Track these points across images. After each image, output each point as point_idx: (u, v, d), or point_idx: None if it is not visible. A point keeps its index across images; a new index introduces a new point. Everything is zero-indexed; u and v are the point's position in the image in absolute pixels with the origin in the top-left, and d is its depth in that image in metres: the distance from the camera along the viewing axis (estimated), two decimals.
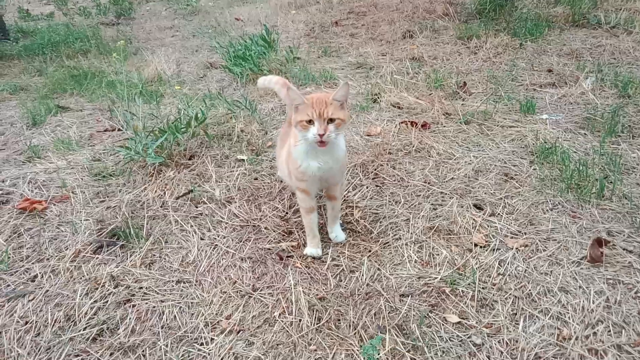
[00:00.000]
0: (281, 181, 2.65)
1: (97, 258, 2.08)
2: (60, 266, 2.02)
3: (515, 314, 1.71)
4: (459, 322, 1.68)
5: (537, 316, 1.69)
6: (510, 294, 1.80)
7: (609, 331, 1.62)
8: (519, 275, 1.90)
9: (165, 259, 2.07)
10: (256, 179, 2.73)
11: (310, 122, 1.75)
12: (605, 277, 1.86)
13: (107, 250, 2.12)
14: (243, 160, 2.94)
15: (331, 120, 1.76)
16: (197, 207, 2.45)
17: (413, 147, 2.96)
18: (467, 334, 1.63)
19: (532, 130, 3.09)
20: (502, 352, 1.55)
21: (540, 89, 3.85)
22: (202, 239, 2.19)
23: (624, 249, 2.01)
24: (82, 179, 2.78)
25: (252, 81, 4.29)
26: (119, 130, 3.46)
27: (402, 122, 3.26)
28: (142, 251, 2.10)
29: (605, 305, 1.73)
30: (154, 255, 2.09)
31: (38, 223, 2.34)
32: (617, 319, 1.67)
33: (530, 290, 1.81)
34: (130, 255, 2.09)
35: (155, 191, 2.60)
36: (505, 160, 2.76)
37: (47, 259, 2.08)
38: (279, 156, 2.35)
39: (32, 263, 2.06)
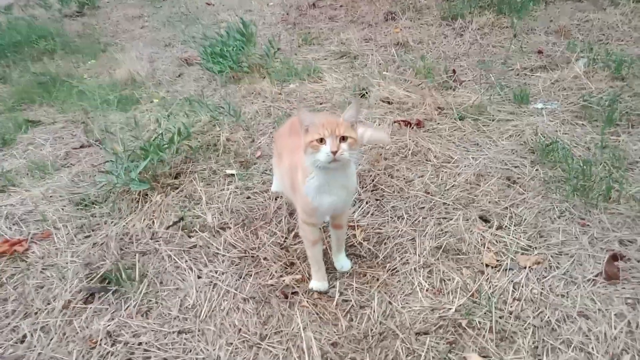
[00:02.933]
0: (275, 199, 2.53)
1: (89, 308, 1.94)
2: (50, 322, 1.88)
3: (537, 347, 1.65)
4: None
5: (559, 348, 1.63)
6: (529, 322, 1.73)
7: None
8: (535, 300, 1.83)
9: (162, 304, 1.95)
10: (249, 197, 2.60)
11: (321, 141, 1.64)
12: (623, 296, 1.81)
13: (99, 298, 1.98)
14: (232, 175, 2.79)
15: (343, 139, 1.64)
16: (190, 237, 2.32)
17: (409, 150, 2.85)
18: None
19: (529, 123, 2.99)
20: None
21: (532, 73, 3.75)
22: (199, 277, 2.06)
23: (638, 261, 1.95)
24: (62, 209, 2.60)
25: (233, 80, 4.09)
26: (96, 145, 3.26)
27: (395, 122, 3.13)
28: (137, 297, 1.97)
29: (628, 330, 1.67)
30: (150, 300, 1.97)
31: (21, 268, 2.18)
32: None
33: (549, 317, 1.75)
34: (125, 302, 1.96)
35: (143, 220, 2.45)
36: (505, 161, 2.67)
37: (35, 314, 1.94)
38: (277, 168, 2.22)
39: (19, 319, 1.92)
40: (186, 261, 2.16)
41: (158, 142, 2.79)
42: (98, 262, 2.17)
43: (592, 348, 1.62)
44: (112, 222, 2.45)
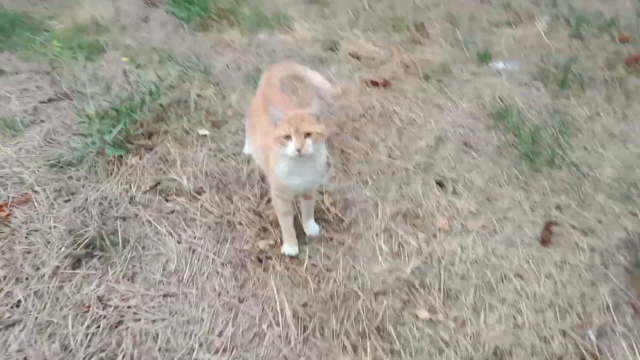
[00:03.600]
0: (248, 162, 2.66)
1: (78, 274, 2.10)
2: (42, 288, 2.04)
3: (477, 304, 1.93)
4: (429, 318, 1.88)
5: (495, 305, 1.92)
6: (472, 282, 2.01)
7: (556, 317, 1.87)
8: (479, 261, 2.10)
9: (146, 268, 2.12)
10: (222, 160, 2.72)
11: (288, 137, 1.78)
12: (553, 259, 2.09)
13: (86, 264, 2.14)
14: (205, 135, 2.88)
15: (308, 135, 1.78)
16: (167, 202, 2.46)
17: (375, 111, 2.99)
18: (436, 330, 1.84)
19: (489, 85, 3.16)
20: (467, 347, 1.77)
21: (497, 28, 3.84)
22: (179, 242, 2.24)
23: (570, 225, 2.23)
24: (38, 170, 2.66)
25: (201, 27, 4.03)
26: (64, 99, 3.25)
27: (362, 81, 3.23)
28: (122, 262, 2.13)
29: (554, 289, 1.97)
30: (134, 265, 2.14)
31: (6, 234, 2.29)
32: (562, 303, 1.92)
33: (489, 278, 2.02)
34: (111, 268, 2.12)
35: (121, 184, 2.55)
36: (464, 125, 2.86)
37: (26, 279, 2.09)
38: (251, 135, 2.34)
39: (12, 285, 2.06)
40: (165, 226, 2.31)
41: (130, 104, 2.83)
42: (81, 227, 2.29)
43: (523, 305, 1.92)
44: (89, 186, 2.55)
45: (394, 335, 1.82)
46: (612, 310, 1.87)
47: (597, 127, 2.79)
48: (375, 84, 3.19)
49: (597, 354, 1.74)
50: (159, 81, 3.23)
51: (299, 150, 1.77)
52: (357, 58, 3.54)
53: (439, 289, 1.99)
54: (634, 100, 2.95)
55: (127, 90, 3.09)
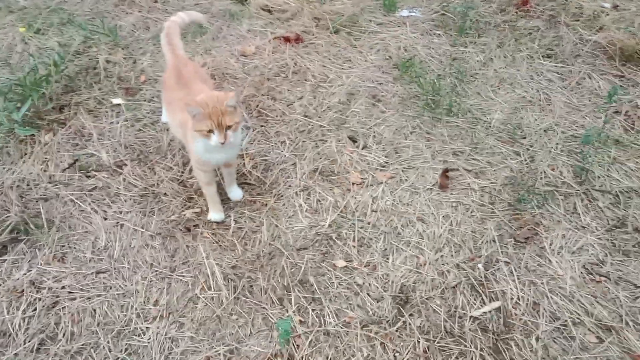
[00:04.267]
0: (167, 129, 2.70)
1: (6, 260, 2.13)
2: None
3: (386, 249, 2.20)
4: (345, 266, 2.13)
5: (401, 248, 2.20)
6: (382, 230, 2.27)
7: (452, 253, 2.18)
8: (388, 210, 2.35)
9: (75, 248, 2.19)
10: (140, 130, 2.74)
11: (210, 131, 1.90)
12: (450, 201, 2.39)
13: (13, 250, 2.17)
14: (120, 105, 2.86)
15: (229, 127, 1.90)
16: (88, 178, 2.48)
17: (289, 69, 3.07)
18: (351, 276, 2.10)
19: (394, 36, 3.31)
20: (378, 288, 2.05)
21: None
22: (105, 218, 2.30)
23: (464, 169, 2.53)
24: None
25: None
26: None
27: (275, 38, 3.27)
28: (50, 244, 2.18)
29: (449, 228, 2.27)
30: (63, 246, 2.20)
31: None
32: (457, 240, 2.23)
33: (396, 224, 2.29)
34: (39, 250, 2.17)
35: (36, 164, 2.53)
36: (372, 78, 3.02)
37: None
38: (167, 108, 2.39)
39: None
40: (89, 204, 2.36)
41: (34, 76, 2.73)
42: (2, 213, 2.29)
43: (424, 246, 2.21)
44: (4, 169, 2.50)
45: (315, 285, 2.05)
46: (497, 242, 2.21)
47: (490, 72, 3.06)
48: (287, 39, 3.25)
49: (484, 281, 2.07)
50: (63, 48, 3.09)
51: (222, 143, 1.92)
52: (269, 12, 3.54)
53: (354, 238, 2.23)
54: (522, 44, 3.23)
55: (29, 61, 2.95)
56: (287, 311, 1.96)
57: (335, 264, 2.14)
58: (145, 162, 2.56)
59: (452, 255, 2.17)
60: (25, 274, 2.09)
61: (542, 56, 3.16)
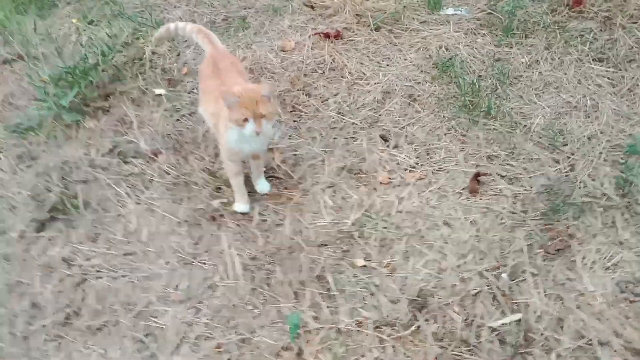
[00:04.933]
0: (203, 121, 2.76)
1: (43, 237, 2.26)
2: (9, 251, 2.21)
3: (408, 251, 2.16)
4: (364, 265, 2.11)
5: (424, 252, 2.15)
6: (405, 232, 2.23)
7: (475, 260, 2.11)
8: (413, 212, 2.31)
9: (108, 229, 2.29)
10: (178, 120, 2.83)
11: (245, 120, 1.95)
12: (479, 207, 2.31)
13: (50, 228, 2.30)
14: (161, 95, 2.96)
15: (263, 116, 1.96)
16: (126, 164, 2.59)
17: (327, 65, 3.07)
18: (370, 276, 2.08)
19: (437, 34, 3.23)
20: (395, 290, 2.02)
21: None
22: (138, 203, 2.39)
23: (498, 174, 2.44)
24: None
25: None
26: (19, 59, 3.25)
27: (315, 34, 3.27)
28: (85, 224, 2.29)
29: (476, 235, 2.20)
30: (96, 227, 2.30)
31: None
32: (483, 247, 2.16)
33: (421, 226, 2.24)
34: (74, 230, 2.29)
35: (80, 148, 2.66)
36: (410, 77, 2.97)
37: None
38: (202, 97, 2.45)
39: None
40: (125, 188, 2.46)
41: (84, 65, 2.87)
42: (44, 193, 2.43)
43: (447, 250, 2.15)
44: (50, 151, 2.65)
45: (332, 282, 2.05)
46: (525, 252, 2.12)
47: (534, 75, 2.93)
48: (327, 36, 3.24)
49: (508, 292, 1.99)
50: (113, 39, 3.24)
51: (257, 133, 1.96)
52: (312, 7, 3.55)
53: (376, 238, 2.21)
54: (572, 47, 3.07)
55: (80, 50, 3.11)
56: (302, 305, 1.97)
57: (354, 262, 2.13)
58: (180, 151, 2.64)
59: (475, 263, 2.10)
60: (59, 251, 2.21)
61: (593, 60, 2.99)
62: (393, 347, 1.84)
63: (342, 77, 3.01)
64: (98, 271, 2.14)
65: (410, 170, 2.49)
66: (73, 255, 2.20)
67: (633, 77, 2.85)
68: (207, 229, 2.27)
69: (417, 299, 1.99)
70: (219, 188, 2.45)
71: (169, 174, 2.52)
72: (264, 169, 2.44)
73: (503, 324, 1.90)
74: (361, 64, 3.07)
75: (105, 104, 2.92)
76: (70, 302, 2.03)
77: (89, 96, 2.90)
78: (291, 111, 2.82)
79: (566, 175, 2.41)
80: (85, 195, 2.43)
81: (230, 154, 2.17)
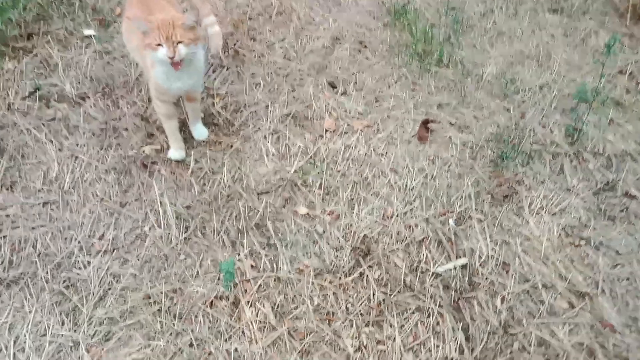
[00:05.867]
0: (137, 64, 2.54)
1: None
2: None
3: (353, 199, 2.06)
4: (307, 214, 2.00)
5: (369, 199, 2.06)
6: (351, 179, 2.12)
7: (422, 207, 2.03)
8: (360, 159, 2.20)
9: (26, 177, 2.07)
10: (109, 63, 2.59)
11: (159, 45, 1.76)
12: (427, 154, 2.23)
13: None
14: (91, 36, 2.70)
15: (180, 42, 1.76)
16: (48, 108, 2.34)
17: (274, 9, 2.88)
18: (312, 224, 1.96)
19: None
20: (339, 238, 1.92)
21: None
22: (60, 150, 2.18)
23: (448, 122, 2.36)
24: None
25: None
26: None
27: None
28: (0, 172, 2.07)
29: (423, 182, 2.12)
30: (13, 175, 2.08)
31: None
32: (430, 194, 2.08)
33: (367, 174, 2.14)
34: None
35: None
36: (361, 24, 2.83)
37: None
38: (128, 31, 2.22)
39: None
40: (46, 134, 2.23)
41: (2, 2, 2.57)
42: None
43: (394, 197, 2.06)
44: None
45: (272, 230, 1.93)
46: (472, 198, 2.05)
47: (488, 24, 2.85)
48: None
49: (453, 238, 1.93)
50: None
51: (171, 58, 1.76)
52: None
53: (320, 186, 2.09)
54: None
55: None
56: (239, 254, 1.84)
57: (296, 210, 2.01)
58: (109, 95, 2.42)
59: (422, 209, 2.03)
60: None
61: (548, 10, 2.93)
62: (334, 294, 1.75)
63: (289, 21, 2.83)
64: (13, 222, 1.93)
65: (358, 118, 2.37)
66: None
67: (586, 28, 2.82)
68: (137, 177, 2.09)
69: (360, 246, 1.90)
70: (152, 134, 2.26)
71: (96, 119, 2.30)
72: (202, 115, 2.26)
73: (448, 270, 1.84)
74: (310, 8, 2.90)
75: (28, 44, 2.63)
76: None
77: (9, 35, 2.61)
78: (234, 56, 2.63)
79: (516, 124, 2.35)
80: (2, 141, 2.19)
81: (160, 92, 1.98)
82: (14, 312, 1.68)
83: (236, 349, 1.61)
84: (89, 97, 2.39)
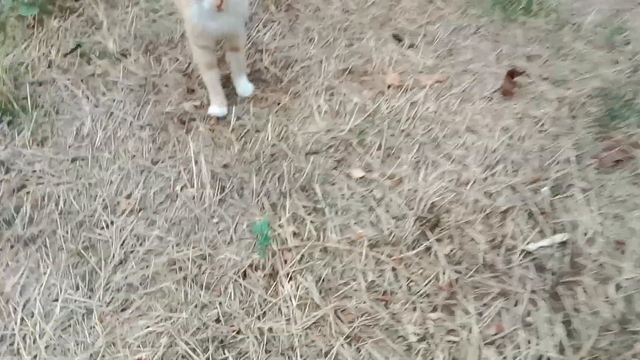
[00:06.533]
0: (182, 20, 2.34)
1: None
2: None
3: (419, 162, 1.70)
4: (362, 177, 1.67)
5: (439, 162, 1.69)
6: (417, 140, 1.77)
7: (507, 171, 1.64)
8: (428, 118, 1.84)
9: (58, 133, 1.91)
10: (154, 21, 2.40)
11: None
12: (513, 111, 1.83)
13: None
14: None
15: None
16: (88, 65, 2.19)
17: None
18: (369, 189, 1.64)
19: None
20: (399, 205, 1.58)
21: None
22: (96, 106, 2.00)
23: (539, 76, 1.94)
24: None
25: None
26: None
27: None
28: (32, 127, 1.92)
29: (508, 143, 1.73)
30: (45, 130, 1.93)
31: None
32: (517, 157, 1.68)
33: (437, 134, 1.78)
34: (19, 134, 1.92)
35: (39, 49, 2.27)
36: None
37: None
38: None
39: None
40: (83, 90, 2.06)
41: None
42: None
43: (471, 160, 1.69)
44: (4, 52, 2.27)
45: (319, 194, 1.62)
46: (573, 163, 1.64)
47: None
48: None
49: (549, 209, 1.53)
50: None
51: (218, 6, 1.55)
52: None
53: (380, 147, 1.76)
54: None
55: None
56: (280, 219, 1.55)
57: (350, 173, 1.69)
58: (152, 52, 2.22)
59: (507, 174, 1.64)
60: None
61: None
62: (393, 269, 1.41)
63: None
64: (40, 177, 1.76)
65: (427, 73, 2.01)
66: (13, 158, 1.82)
67: None
68: (173, 134, 1.86)
69: (428, 215, 1.54)
70: (192, 90, 2.03)
71: (136, 74, 2.11)
72: (247, 71, 2.00)
73: (542, 247, 1.44)
74: None
75: (75, 4, 2.51)
76: (3, 211, 1.66)
77: None
78: (286, 10, 2.36)
79: (628, 78, 1.89)
80: (39, 97, 2.05)
81: (196, 34, 1.73)
82: (28, 272, 1.50)
83: (270, 329, 1.31)
84: (130, 54, 2.21)
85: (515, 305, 1.33)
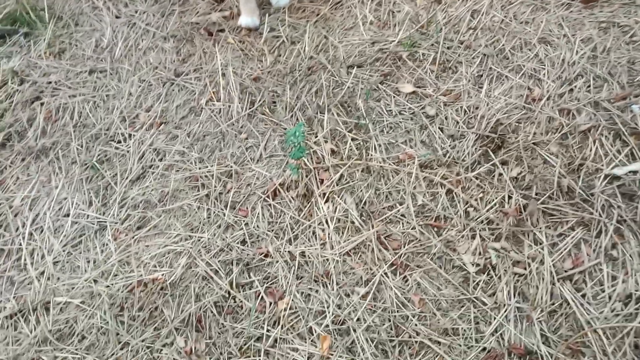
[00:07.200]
0: None
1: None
2: None
3: (481, 76, 1.45)
4: (413, 92, 1.44)
5: (506, 76, 1.43)
6: (479, 52, 1.51)
7: (589, 87, 1.37)
8: (494, 28, 1.57)
9: (76, 45, 1.75)
10: None
11: None
12: (597, 20, 1.53)
13: (10, 41, 1.79)
14: None
15: None
16: None
17: None
18: (421, 105, 1.40)
19: None
20: (457, 122, 1.34)
21: None
22: (117, 16, 1.82)
23: None
24: None
25: None
26: None
27: None
28: (48, 38, 1.76)
29: (591, 55, 1.44)
30: (63, 42, 1.77)
31: None
32: (601, 71, 1.40)
33: (503, 45, 1.51)
34: (36, 45, 1.77)
35: None
36: None
37: None
38: None
39: None
40: (105, 1, 1.88)
41: None
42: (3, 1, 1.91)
43: (545, 74, 1.42)
44: None
45: (363, 109, 1.40)
46: None
47: None
48: None
49: None
50: None
51: None
52: None
53: (434, 60, 1.51)
54: None
55: None
56: (316, 136, 1.35)
57: (399, 87, 1.45)
58: None
59: (587, 90, 1.36)
60: (13, 66, 1.69)
61: None
62: (449, 192, 1.20)
63: None
64: (55, 89, 1.61)
65: None
66: (28, 70, 1.68)
67: None
68: (199, 45, 1.67)
69: (491, 134, 1.30)
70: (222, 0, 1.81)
71: None
72: None
73: (631, 172, 1.18)
74: None
75: None
76: (15, 122, 1.53)
77: None
78: None
79: None
80: (57, 7, 1.88)
81: None
82: (39, 186, 1.36)
83: (303, 253, 1.13)
84: None
85: (598, 236, 1.10)
